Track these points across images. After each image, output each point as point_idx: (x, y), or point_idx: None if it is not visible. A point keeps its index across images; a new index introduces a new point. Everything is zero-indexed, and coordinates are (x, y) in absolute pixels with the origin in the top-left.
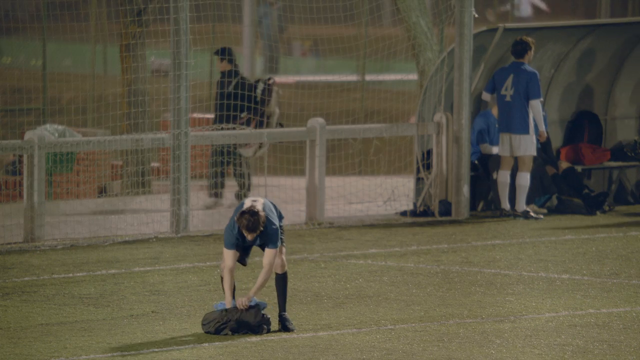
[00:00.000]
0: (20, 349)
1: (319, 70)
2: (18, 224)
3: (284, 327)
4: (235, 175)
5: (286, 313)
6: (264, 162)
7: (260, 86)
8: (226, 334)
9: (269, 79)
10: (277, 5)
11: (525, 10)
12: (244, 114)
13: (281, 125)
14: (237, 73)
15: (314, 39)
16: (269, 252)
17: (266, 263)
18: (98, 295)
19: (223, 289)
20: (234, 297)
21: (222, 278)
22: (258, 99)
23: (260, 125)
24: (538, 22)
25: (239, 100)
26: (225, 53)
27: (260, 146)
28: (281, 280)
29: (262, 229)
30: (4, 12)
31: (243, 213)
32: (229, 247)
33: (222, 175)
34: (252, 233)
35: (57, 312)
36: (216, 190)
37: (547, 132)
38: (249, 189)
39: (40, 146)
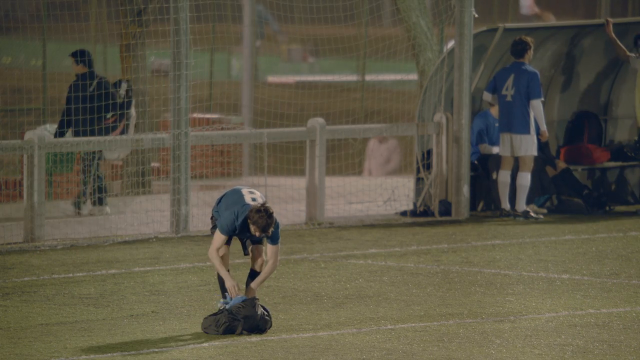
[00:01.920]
0: (20, 349)
1: (319, 71)
2: (18, 224)
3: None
4: (91, 179)
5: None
6: (264, 162)
7: (124, 86)
8: (241, 334)
9: (131, 79)
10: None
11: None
12: (109, 115)
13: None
14: (93, 75)
15: (313, 39)
16: (272, 248)
17: (271, 258)
18: (98, 295)
19: (218, 275)
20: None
21: (219, 275)
22: (122, 99)
23: (127, 126)
24: (538, 22)
25: (103, 101)
26: (78, 55)
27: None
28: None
29: (270, 231)
30: (4, 12)
31: (259, 211)
32: (224, 232)
33: (100, 179)
34: (263, 233)
35: (57, 312)
36: (101, 195)
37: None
38: (105, 192)
39: (40, 146)
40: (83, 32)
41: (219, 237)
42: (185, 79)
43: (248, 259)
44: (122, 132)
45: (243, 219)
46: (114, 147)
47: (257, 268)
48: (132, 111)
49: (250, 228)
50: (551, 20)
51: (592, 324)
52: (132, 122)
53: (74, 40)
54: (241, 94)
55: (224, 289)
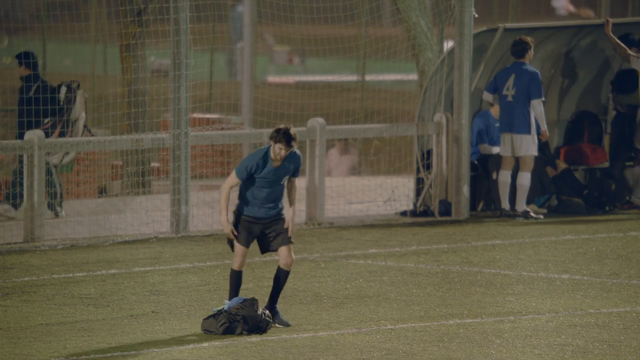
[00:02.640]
0: (20, 349)
1: (303, 72)
2: (18, 224)
3: (280, 321)
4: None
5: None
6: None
7: (64, 90)
8: (241, 334)
9: (73, 82)
10: None
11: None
12: (47, 120)
13: (89, 131)
14: (37, 77)
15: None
16: (294, 180)
17: (294, 188)
18: (98, 295)
19: (230, 278)
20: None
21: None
22: (61, 103)
23: (69, 129)
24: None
25: (41, 105)
26: (22, 57)
27: (67, 153)
28: (284, 277)
29: (295, 145)
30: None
31: (278, 129)
32: (238, 173)
33: (54, 185)
34: (288, 146)
35: (57, 312)
36: (14, 201)
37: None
38: (61, 197)
39: (40, 146)
40: (83, 32)
41: (232, 177)
42: (185, 79)
43: (248, 260)
44: (60, 136)
45: (264, 152)
46: (56, 152)
47: (286, 267)
48: (82, 113)
49: (274, 154)
50: (590, 18)
51: (592, 324)
52: (81, 122)
53: (74, 40)
54: (241, 94)
55: (233, 292)
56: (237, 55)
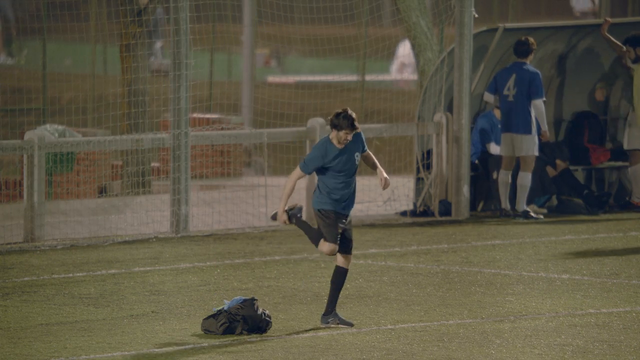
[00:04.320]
0: (20, 349)
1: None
2: (18, 224)
3: (343, 321)
4: None
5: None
6: (264, 162)
7: None
8: (241, 334)
9: None
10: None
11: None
12: None
13: None
14: None
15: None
16: (369, 153)
17: (373, 158)
18: (98, 295)
19: (311, 229)
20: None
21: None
22: None
23: None
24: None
25: None
26: None
27: None
28: (343, 275)
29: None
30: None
31: (337, 114)
32: (302, 167)
33: None
34: (351, 129)
35: (57, 312)
36: None
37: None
38: None
39: (40, 146)
40: (83, 32)
41: (296, 172)
42: (185, 79)
43: (248, 260)
44: None
45: (326, 141)
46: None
47: (344, 265)
48: None
49: (338, 140)
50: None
51: (592, 324)
52: None
53: (74, 40)
54: (241, 94)
55: (317, 235)
56: (158, 54)
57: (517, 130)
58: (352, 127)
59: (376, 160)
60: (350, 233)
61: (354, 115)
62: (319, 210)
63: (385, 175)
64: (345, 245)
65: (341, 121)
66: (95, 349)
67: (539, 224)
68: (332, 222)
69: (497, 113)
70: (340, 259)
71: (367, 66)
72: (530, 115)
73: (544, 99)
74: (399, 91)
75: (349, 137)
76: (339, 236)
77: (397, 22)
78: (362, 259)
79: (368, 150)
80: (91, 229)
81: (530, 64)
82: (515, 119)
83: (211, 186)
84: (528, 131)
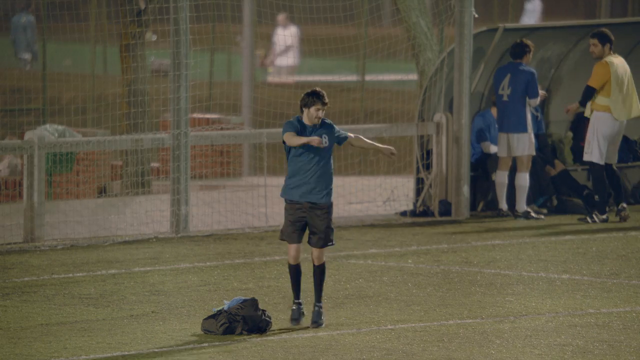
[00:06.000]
0: (20, 349)
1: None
2: (18, 224)
3: (314, 320)
4: None
5: (321, 304)
6: (263, 162)
7: None
8: (241, 334)
9: None
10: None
11: None
12: None
13: None
14: None
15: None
16: (357, 137)
17: (364, 139)
18: (98, 295)
19: (290, 275)
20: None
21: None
22: None
23: None
24: (538, 22)
25: None
26: None
27: None
28: (319, 274)
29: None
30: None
31: (307, 93)
32: (289, 129)
33: None
34: (321, 104)
35: (57, 312)
36: None
37: (544, 134)
38: None
39: (40, 146)
40: (83, 32)
41: (287, 134)
42: (185, 79)
43: (248, 260)
44: None
45: (297, 118)
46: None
47: (316, 262)
48: None
49: (309, 118)
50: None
51: (592, 324)
52: None
53: (74, 40)
54: (241, 94)
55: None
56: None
57: (512, 129)
58: (322, 101)
59: (367, 140)
60: (321, 224)
61: (323, 92)
62: (284, 200)
63: (383, 145)
64: (314, 238)
65: (311, 98)
66: (95, 349)
67: (539, 224)
68: (288, 218)
69: (494, 111)
70: (313, 255)
71: (367, 66)
72: (525, 115)
73: (540, 97)
74: (399, 91)
75: (320, 114)
76: (300, 231)
77: (397, 22)
78: (362, 259)
79: (351, 135)
80: (91, 229)
81: (527, 65)
82: (510, 119)
83: (211, 186)
84: (523, 129)
